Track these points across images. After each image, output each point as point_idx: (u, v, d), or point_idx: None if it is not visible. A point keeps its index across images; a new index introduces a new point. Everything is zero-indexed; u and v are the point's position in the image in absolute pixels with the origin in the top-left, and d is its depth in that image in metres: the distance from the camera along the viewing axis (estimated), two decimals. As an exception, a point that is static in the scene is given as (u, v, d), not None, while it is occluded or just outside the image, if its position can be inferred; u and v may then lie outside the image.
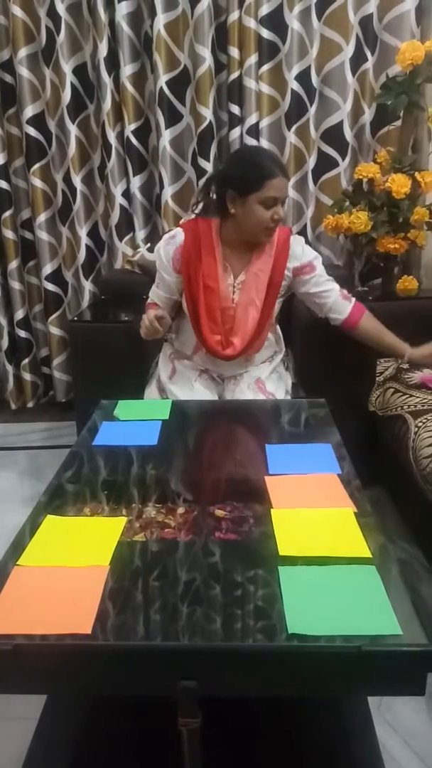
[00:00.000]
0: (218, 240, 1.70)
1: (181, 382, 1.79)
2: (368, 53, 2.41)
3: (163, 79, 2.42)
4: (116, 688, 0.82)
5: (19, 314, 2.82)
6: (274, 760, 1.03)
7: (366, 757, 1.06)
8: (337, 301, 1.75)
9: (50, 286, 2.76)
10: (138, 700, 1.03)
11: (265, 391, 1.77)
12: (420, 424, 1.74)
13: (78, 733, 1.10)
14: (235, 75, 2.41)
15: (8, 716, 1.33)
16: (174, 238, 1.72)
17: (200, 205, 1.71)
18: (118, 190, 2.57)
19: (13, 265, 2.74)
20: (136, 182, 2.57)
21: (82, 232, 2.66)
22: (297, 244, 1.74)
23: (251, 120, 2.44)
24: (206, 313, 1.70)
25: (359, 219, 2.24)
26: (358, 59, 2.41)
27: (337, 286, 1.76)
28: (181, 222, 1.85)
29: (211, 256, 1.69)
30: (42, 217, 2.67)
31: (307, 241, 2.43)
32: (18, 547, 0.97)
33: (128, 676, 0.79)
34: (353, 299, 1.77)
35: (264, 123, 2.48)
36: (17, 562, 0.93)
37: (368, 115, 2.49)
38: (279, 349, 1.88)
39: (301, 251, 1.74)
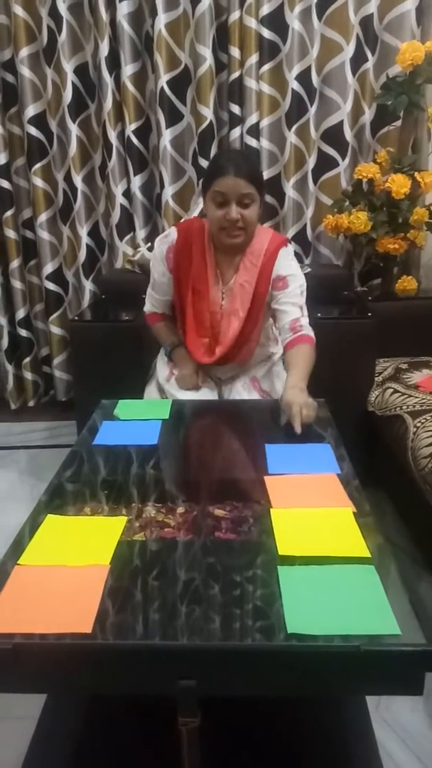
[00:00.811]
0: (209, 243, 1.68)
1: (180, 381, 1.79)
2: (368, 53, 2.42)
3: (163, 78, 2.42)
4: (116, 688, 0.83)
5: (20, 313, 2.82)
6: (272, 759, 1.04)
7: (364, 757, 1.06)
8: (284, 328, 1.66)
9: (51, 286, 2.77)
10: (137, 699, 1.03)
11: (260, 389, 1.78)
12: (419, 425, 1.74)
13: (78, 732, 1.10)
14: (235, 75, 2.41)
15: (8, 715, 1.34)
16: (167, 237, 1.72)
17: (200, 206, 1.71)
18: (118, 190, 2.57)
19: (15, 264, 2.74)
20: (136, 182, 2.57)
21: (83, 231, 2.67)
22: (283, 256, 1.68)
23: (252, 120, 2.45)
24: (193, 316, 1.70)
25: (359, 219, 2.24)
26: (358, 59, 2.41)
27: (295, 316, 1.65)
28: (179, 222, 1.85)
29: (202, 260, 1.68)
30: (43, 217, 2.68)
31: (306, 245, 2.42)
32: (18, 546, 0.98)
33: (128, 676, 0.80)
34: (300, 333, 1.64)
35: (264, 123, 2.48)
36: (18, 562, 0.93)
37: (368, 115, 2.49)
38: (276, 350, 1.87)
39: (284, 263, 1.68)
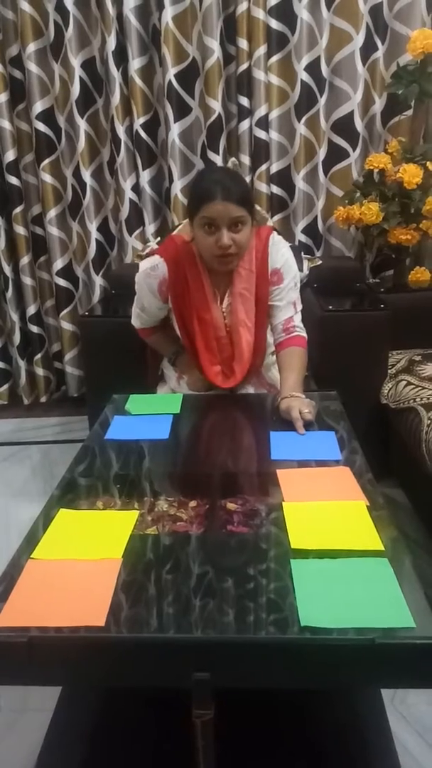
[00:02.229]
0: (202, 264, 1.59)
1: (192, 386, 1.78)
2: (378, 42, 2.39)
3: (171, 72, 2.41)
4: (130, 680, 0.83)
5: (31, 309, 2.83)
6: (286, 752, 1.04)
7: (379, 749, 1.06)
8: (276, 327, 1.64)
9: (61, 282, 2.77)
10: (152, 691, 1.03)
11: (265, 383, 1.76)
12: (433, 417, 1.73)
13: (93, 724, 1.11)
14: (244, 66, 2.39)
15: (24, 708, 1.35)
16: (156, 269, 1.62)
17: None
18: (127, 185, 2.57)
19: (25, 260, 2.75)
20: (145, 176, 2.56)
21: (92, 227, 2.67)
22: (275, 248, 1.62)
23: (261, 112, 2.43)
24: (204, 345, 1.64)
25: (370, 210, 2.22)
26: (368, 48, 2.39)
27: (288, 315, 1.62)
28: (156, 248, 1.76)
29: (200, 286, 1.60)
30: (52, 213, 2.68)
31: (317, 237, 2.38)
32: (32, 540, 0.98)
33: (142, 668, 0.80)
34: (293, 335, 1.62)
35: (273, 114, 2.46)
36: (31, 556, 0.94)
37: (379, 104, 2.46)
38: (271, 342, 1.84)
39: (276, 256, 1.62)
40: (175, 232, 1.93)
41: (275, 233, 1.66)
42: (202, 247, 1.52)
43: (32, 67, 2.50)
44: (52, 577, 0.89)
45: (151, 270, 1.63)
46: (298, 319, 1.64)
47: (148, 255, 2.32)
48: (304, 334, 1.64)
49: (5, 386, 3.00)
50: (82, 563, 0.92)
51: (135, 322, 1.79)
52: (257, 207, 1.94)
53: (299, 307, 1.66)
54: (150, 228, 2.63)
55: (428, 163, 2.23)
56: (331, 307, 2.03)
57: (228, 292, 1.62)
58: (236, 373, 1.65)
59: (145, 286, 1.65)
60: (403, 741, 1.24)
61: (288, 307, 1.63)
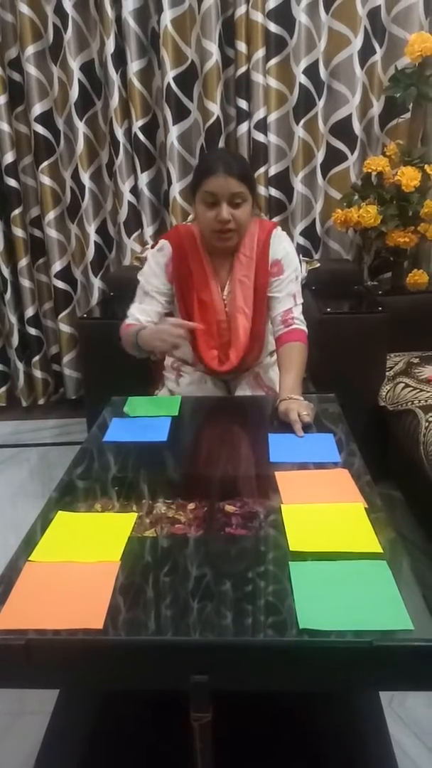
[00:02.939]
0: (203, 248, 1.63)
1: (188, 386, 1.78)
2: (376, 46, 2.40)
3: (170, 74, 2.41)
4: (128, 683, 0.83)
5: (29, 312, 2.83)
6: (285, 754, 1.03)
7: (378, 752, 1.05)
8: (276, 319, 1.64)
9: (60, 284, 2.77)
10: (150, 694, 1.03)
11: (263, 385, 1.77)
12: (431, 419, 1.73)
13: (90, 727, 1.11)
14: (242, 69, 2.40)
15: (22, 711, 1.35)
16: (162, 250, 1.66)
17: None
18: (126, 187, 2.57)
19: (23, 263, 2.75)
20: (144, 179, 2.57)
21: (91, 229, 2.67)
22: (277, 240, 1.64)
23: (259, 114, 2.44)
24: (203, 327, 1.64)
25: (368, 213, 2.23)
26: (366, 52, 2.39)
27: (287, 306, 1.62)
28: (166, 234, 1.77)
29: (201, 268, 1.63)
30: (51, 215, 2.68)
31: (315, 239, 2.39)
32: (29, 542, 0.98)
33: (140, 671, 0.80)
34: (292, 327, 1.61)
35: (272, 117, 2.47)
36: (29, 558, 0.94)
37: (377, 107, 2.47)
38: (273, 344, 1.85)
39: (278, 247, 1.64)
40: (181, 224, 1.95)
41: (279, 228, 1.69)
42: (203, 223, 1.55)
43: (31, 69, 2.50)
44: (49, 579, 0.89)
45: (158, 250, 1.68)
46: (297, 312, 1.64)
47: (147, 257, 2.31)
48: (304, 328, 1.63)
49: (3, 388, 2.99)
50: (80, 566, 0.92)
51: (134, 316, 1.65)
52: (257, 211, 1.94)
53: (299, 300, 1.66)
54: (148, 230, 2.63)
55: (426, 166, 2.23)
56: (329, 309, 2.03)
57: (229, 279, 1.65)
58: (231, 359, 1.67)
59: (154, 265, 1.67)
60: (401, 743, 1.24)
61: (287, 298, 1.64)
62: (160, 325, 1.53)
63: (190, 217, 1.81)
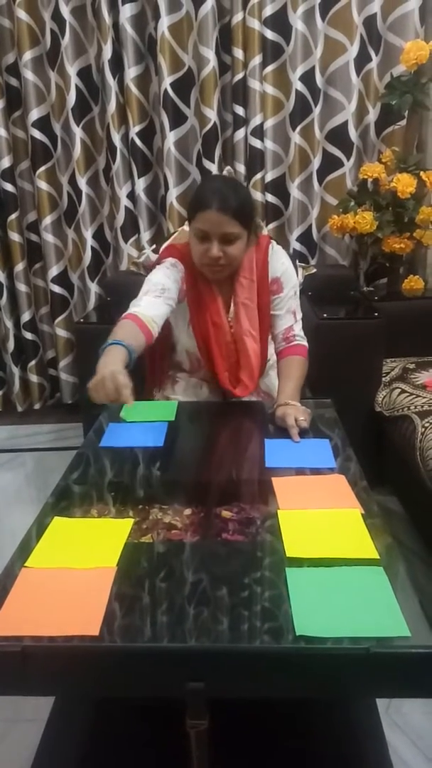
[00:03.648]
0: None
1: (184, 392, 1.78)
2: (372, 53, 2.41)
3: (167, 80, 2.42)
4: (124, 690, 0.82)
5: (26, 316, 2.82)
6: (281, 762, 1.03)
7: (375, 759, 1.05)
8: (277, 336, 1.65)
9: (56, 288, 2.77)
10: (146, 701, 1.03)
11: (260, 390, 1.77)
12: (427, 425, 1.74)
13: (86, 734, 1.10)
14: (239, 76, 2.41)
15: (17, 718, 1.34)
16: (175, 266, 1.60)
17: None
18: (123, 192, 2.58)
19: (20, 267, 2.75)
20: (141, 184, 2.57)
21: (88, 234, 2.67)
22: (275, 257, 1.63)
23: (256, 121, 2.45)
24: (218, 350, 1.64)
25: (364, 219, 2.24)
26: (362, 59, 2.41)
27: (288, 324, 1.63)
28: (153, 255, 1.73)
29: (210, 291, 1.61)
30: (48, 220, 2.68)
31: (311, 245, 2.39)
32: (25, 548, 0.97)
33: (136, 678, 0.79)
34: (293, 343, 1.62)
35: (268, 124, 2.48)
36: (25, 564, 0.93)
37: (373, 115, 2.49)
38: (271, 352, 1.85)
39: (276, 264, 1.63)
40: (169, 241, 1.93)
41: (273, 242, 1.67)
42: (194, 254, 1.53)
43: (28, 75, 2.50)
44: (45, 585, 0.89)
45: (172, 266, 1.59)
46: (298, 328, 1.65)
47: (144, 263, 2.33)
48: (305, 343, 1.64)
49: (-1, 393, 2.99)
50: (76, 572, 0.91)
51: (138, 307, 1.49)
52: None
53: (299, 315, 1.67)
54: (145, 235, 2.63)
55: (422, 173, 2.25)
56: (325, 315, 2.04)
57: (232, 302, 1.63)
58: (244, 381, 1.66)
59: (168, 273, 1.57)
60: (398, 750, 1.24)
61: (288, 315, 1.64)
62: (113, 368, 1.26)
63: (180, 230, 1.78)
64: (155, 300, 1.51)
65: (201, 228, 1.46)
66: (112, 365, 1.26)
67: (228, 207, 1.43)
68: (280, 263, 1.64)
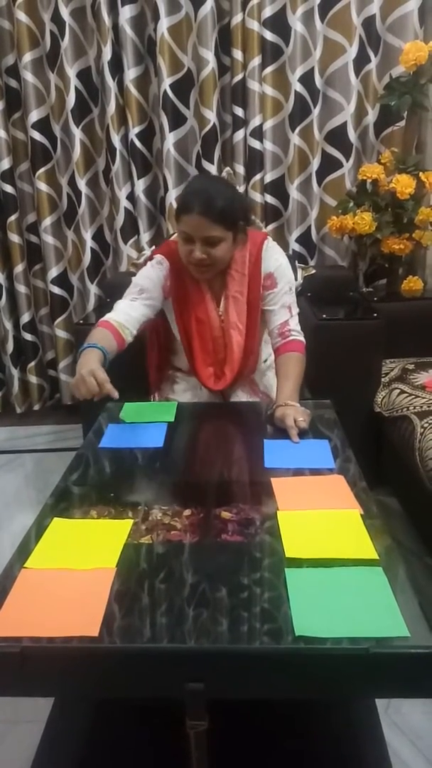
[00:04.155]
0: None
1: (183, 392, 1.78)
2: (371, 54, 2.41)
3: (166, 82, 2.42)
4: (123, 691, 0.82)
5: (25, 317, 2.82)
6: (281, 762, 1.03)
7: (374, 759, 1.05)
8: (273, 332, 1.64)
9: (56, 290, 2.77)
10: (145, 702, 1.03)
11: (258, 391, 1.77)
12: (426, 425, 1.74)
13: (85, 735, 1.10)
14: (238, 77, 2.41)
15: (16, 719, 1.34)
16: (161, 264, 1.63)
17: None
18: (122, 194, 2.58)
19: (19, 268, 2.75)
20: (140, 185, 2.57)
21: (87, 235, 2.67)
22: (268, 253, 1.63)
23: (255, 122, 2.45)
24: (200, 345, 1.66)
25: (363, 220, 2.24)
26: (361, 60, 2.41)
27: (283, 318, 1.62)
28: (155, 249, 1.75)
29: (196, 286, 1.63)
30: (47, 221, 2.68)
31: (311, 246, 2.39)
32: (25, 549, 0.97)
33: (135, 679, 0.79)
34: (289, 339, 1.61)
35: (268, 125, 2.48)
36: (24, 565, 0.93)
37: (372, 116, 2.49)
38: (270, 353, 1.85)
39: (270, 260, 1.63)
40: (171, 238, 1.94)
41: (270, 239, 1.68)
42: (180, 253, 1.55)
43: (28, 76, 2.51)
44: (45, 586, 0.89)
45: (157, 263, 1.64)
46: (294, 323, 1.64)
47: (144, 263, 2.32)
48: (302, 339, 1.63)
49: (-1, 394, 2.99)
50: (75, 573, 0.91)
51: (112, 313, 1.56)
52: (253, 217, 1.94)
53: (295, 310, 1.66)
54: (145, 236, 2.63)
55: (421, 174, 2.25)
56: (325, 315, 2.04)
57: (223, 295, 1.64)
58: (226, 376, 1.66)
59: (153, 272, 1.62)
60: (397, 750, 1.24)
61: (283, 310, 1.63)
62: (91, 367, 1.32)
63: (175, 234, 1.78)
64: (131, 303, 1.59)
65: (184, 231, 1.48)
66: (92, 364, 1.34)
67: (210, 211, 1.44)
68: (274, 259, 1.64)
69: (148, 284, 1.61)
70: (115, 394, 1.31)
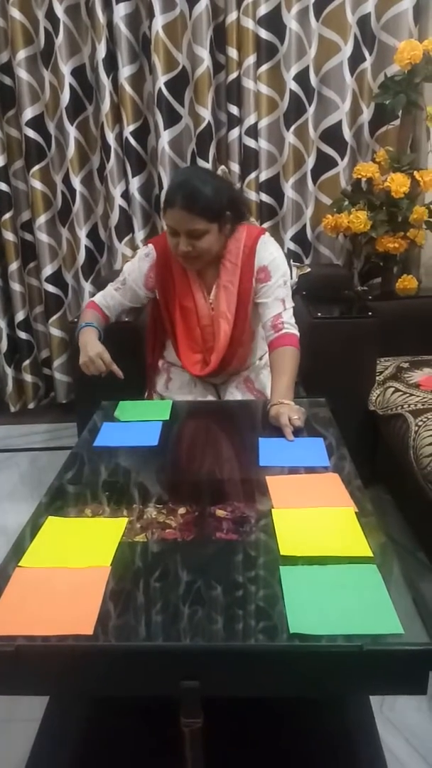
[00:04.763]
0: None
1: (178, 389, 1.78)
2: (366, 53, 2.41)
3: (161, 80, 2.42)
4: (118, 689, 0.82)
5: (20, 316, 2.82)
6: (275, 760, 1.03)
7: (368, 756, 1.06)
8: (266, 325, 1.63)
9: (50, 288, 2.76)
10: (140, 700, 1.03)
11: (254, 389, 1.77)
12: (420, 423, 1.74)
13: (80, 734, 1.10)
14: (233, 75, 2.41)
15: (11, 718, 1.33)
16: (148, 255, 1.69)
17: None
18: (117, 191, 2.57)
19: (14, 266, 2.74)
20: (135, 183, 2.57)
21: (82, 233, 2.67)
22: (263, 246, 1.64)
23: (250, 120, 2.45)
24: (184, 333, 1.68)
25: (358, 218, 2.24)
26: (356, 59, 2.41)
27: (276, 311, 1.61)
28: (154, 238, 1.78)
29: (183, 274, 1.65)
30: (42, 219, 2.68)
31: (306, 245, 2.39)
32: (19, 548, 0.97)
33: (130, 677, 0.79)
34: (283, 332, 1.60)
35: (263, 123, 2.48)
36: (19, 564, 0.93)
37: (367, 114, 2.49)
38: (265, 350, 1.85)
39: (264, 254, 1.63)
40: None
41: (267, 234, 1.69)
42: (169, 244, 1.58)
43: (22, 74, 2.50)
44: (39, 585, 0.89)
45: (145, 256, 1.71)
46: (287, 316, 1.63)
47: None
48: (296, 332, 1.62)
49: (-7, 393, 2.98)
50: (70, 571, 0.91)
51: (96, 297, 1.79)
52: (252, 219, 1.94)
53: (289, 304, 1.65)
54: (139, 234, 2.63)
55: (415, 173, 2.25)
56: (319, 314, 2.04)
57: (215, 284, 1.66)
58: (212, 362, 1.69)
59: (138, 268, 1.71)
60: (391, 747, 1.24)
61: (276, 303, 1.63)
62: (98, 350, 1.59)
63: None
64: (114, 293, 1.76)
65: (168, 224, 1.52)
66: (97, 346, 1.60)
67: (193, 204, 1.46)
68: (269, 253, 1.64)
69: (130, 279, 1.72)
70: (121, 374, 1.58)
